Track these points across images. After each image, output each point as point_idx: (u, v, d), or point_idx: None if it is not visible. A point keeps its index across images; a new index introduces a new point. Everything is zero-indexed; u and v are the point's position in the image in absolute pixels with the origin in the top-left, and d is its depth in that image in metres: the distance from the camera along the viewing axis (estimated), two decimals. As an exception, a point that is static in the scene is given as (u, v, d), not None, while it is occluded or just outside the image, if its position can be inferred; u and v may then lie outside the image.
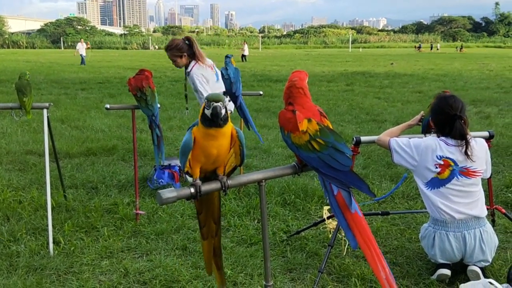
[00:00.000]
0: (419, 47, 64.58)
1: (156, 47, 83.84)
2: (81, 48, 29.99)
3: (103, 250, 3.58)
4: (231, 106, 5.01)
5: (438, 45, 67.30)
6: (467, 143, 3.03)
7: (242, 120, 4.71)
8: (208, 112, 1.82)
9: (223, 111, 1.82)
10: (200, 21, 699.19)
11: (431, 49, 62.79)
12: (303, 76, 2.12)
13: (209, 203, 2.09)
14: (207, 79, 4.84)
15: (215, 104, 1.80)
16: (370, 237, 1.96)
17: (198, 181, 1.85)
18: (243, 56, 35.39)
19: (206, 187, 1.87)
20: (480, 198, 3.12)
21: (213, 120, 1.82)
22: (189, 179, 1.90)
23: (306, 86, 2.11)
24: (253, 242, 3.72)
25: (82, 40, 31.93)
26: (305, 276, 3.22)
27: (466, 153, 3.02)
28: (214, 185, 1.89)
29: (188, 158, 1.88)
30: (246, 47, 37.12)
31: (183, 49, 4.83)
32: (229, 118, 1.89)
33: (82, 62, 28.87)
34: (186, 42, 4.85)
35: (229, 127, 1.90)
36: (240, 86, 4.61)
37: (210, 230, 2.12)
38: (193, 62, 4.86)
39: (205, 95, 4.71)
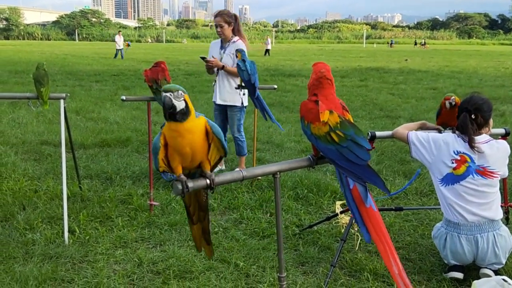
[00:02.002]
0: (391, 43, 68.57)
1: (149, 40, 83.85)
2: (119, 41, 28.29)
3: (118, 239, 3.62)
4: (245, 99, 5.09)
5: (423, 41, 70.99)
6: (470, 137, 3.01)
7: (256, 111, 4.75)
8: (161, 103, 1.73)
9: (174, 102, 1.72)
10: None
11: (415, 45, 66.75)
12: (329, 67, 2.14)
13: (196, 196, 2.08)
14: None
15: (165, 94, 1.72)
16: (384, 232, 1.97)
17: (183, 177, 1.81)
18: (267, 50, 35.22)
19: (194, 184, 1.82)
20: (495, 200, 3.07)
21: (164, 113, 1.73)
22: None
23: (332, 77, 2.12)
24: (265, 235, 3.74)
25: (120, 33, 29.84)
26: (317, 270, 3.23)
27: (470, 145, 3.00)
28: (201, 182, 1.85)
29: (158, 158, 1.83)
30: (269, 41, 37.06)
31: (232, 18, 5.00)
32: (191, 113, 1.78)
33: (117, 55, 27.71)
34: (233, 16, 5.05)
35: (197, 122, 1.80)
36: (257, 78, 4.64)
37: (200, 217, 2.14)
38: (237, 37, 5.02)
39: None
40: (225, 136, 5.13)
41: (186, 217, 2.20)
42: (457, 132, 3.12)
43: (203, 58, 4.96)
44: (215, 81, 5.17)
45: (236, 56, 4.86)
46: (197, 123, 1.80)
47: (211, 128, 1.84)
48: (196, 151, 1.82)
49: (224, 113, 5.25)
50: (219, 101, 5.18)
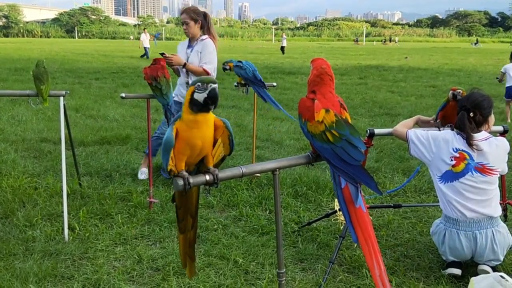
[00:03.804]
0: (357, 40, 71.30)
1: (132, 37, 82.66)
2: (145, 39, 26.86)
3: (117, 236, 3.63)
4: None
5: (396, 38, 75.66)
6: (468, 136, 3.03)
7: (255, 109, 4.76)
8: (201, 95, 1.76)
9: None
10: (214, 12, 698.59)
11: (390, 41, 71.41)
12: (329, 63, 2.15)
13: (189, 198, 2.07)
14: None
15: (214, 85, 1.75)
16: (370, 234, 1.98)
17: (185, 173, 1.82)
18: (282, 47, 34.81)
19: (195, 180, 1.82)
20: (494, 197, 3.08)
21: (208, 104, 1.76)
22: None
23: (333, 74, 2.13)
24: (264, 231, 3.75)
25: (145, 30, 28.58)
26: (316, 267, 3.25)
27: (469, 143, 3.02)
28: (202, 178, 1.84)
29: (170, 156, 1.82)
30: (284, 37, 36.56)
31: (200, 16, 4.72)
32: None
33: (146, 55, 26.09)
34: (203, 13, 4.78)
35: (211, 116, 1.85)
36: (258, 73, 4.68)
37: (187, 224, 2.11)
38: (206, 36, 4.75)
39: (212, 68, 4.64)
40: None
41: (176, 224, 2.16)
42: (456, 129, 3.14)
43: (162, 54, 4.55)
44: (187, 82, 4.75)
45: (229, 68, 4.79)
46: (212, 117, 1.85)
47: (224, 123, 1.89)
48: (206, 144, 1.85)
49: None
50: (181, 99, 4.78)
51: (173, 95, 4.77)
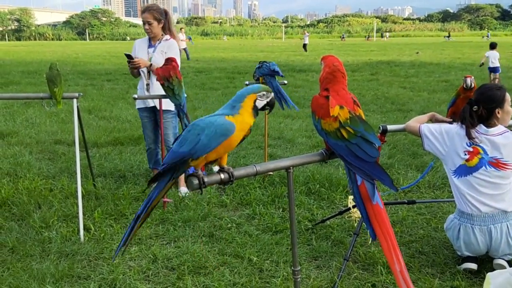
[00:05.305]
0: (343, 37, 73.66)
1: (128, 38, 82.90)
2: (180, 39, 24.61)
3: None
4: None
5: (387, 34, 79.41)
6: (467, 129, 3.02)
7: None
8: (262, 102, 1.88)
9: None
10: (223, 11, 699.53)
11: (382, 37, 75.54)
12: (340, 61, 2.15)
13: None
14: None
15: (272, 94, 1.90)
16: (388, 230, 1.98)
17: (200, 172, 1.83)
18: (305, 45, 34.47)
19: (210, 179, 1.84)
20: (508, 192, 3.05)
21: (264, 109, 1.90)
22: (214, 168, 1.94)
23: (345, 71, 2.13)
24: (278, 230, 3.76)
25: (182, 30, 26.94)
26: (331, 264, 3.24)
27: (469, 137, 3.00)
28: (217, 177, 1.86)
29: (219, 144, 1.81)
30: (307, 35, 36.19)
31: (162, 15, 4.61)
32: None
33: (186, 56, 24.65)
34: (164, 12, 4.65)
35: None
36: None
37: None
38: (168, 36, 4.66)
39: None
40: (158, 147, 4.79)
41: (134, 218, 2.18)
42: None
43: (128, 56, 4.40)
44: (148, 84, 4.61)
45: (257, 80, 4.93)
46: None
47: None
48: (235, 145, 1.92)
49: (154, 121, 4.74)
50: (152, 104, 4.62)
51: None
